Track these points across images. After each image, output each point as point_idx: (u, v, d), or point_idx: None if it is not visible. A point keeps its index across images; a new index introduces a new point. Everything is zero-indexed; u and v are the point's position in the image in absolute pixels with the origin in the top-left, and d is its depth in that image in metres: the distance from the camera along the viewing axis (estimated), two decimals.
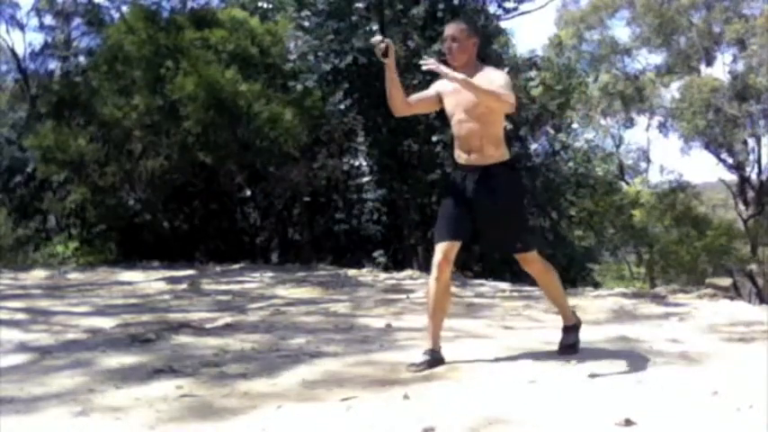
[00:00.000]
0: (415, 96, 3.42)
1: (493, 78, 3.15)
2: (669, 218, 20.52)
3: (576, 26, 24.11)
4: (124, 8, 12.78)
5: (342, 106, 10.71)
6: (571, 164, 13.17)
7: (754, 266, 20.21)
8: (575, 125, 14.51)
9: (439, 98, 3.34)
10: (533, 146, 12.79)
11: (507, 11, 12.02)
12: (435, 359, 3.18)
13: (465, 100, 3.17)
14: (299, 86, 10.66)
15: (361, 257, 10.80)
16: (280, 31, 11.34)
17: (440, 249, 3.20)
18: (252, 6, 12.39)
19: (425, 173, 10.73)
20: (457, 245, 3.21)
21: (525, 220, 3.76)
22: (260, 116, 10.38)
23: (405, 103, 3.32)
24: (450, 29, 3.31)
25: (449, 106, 3.28)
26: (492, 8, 11.85)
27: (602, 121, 23.67)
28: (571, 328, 3.47)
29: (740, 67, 22.22)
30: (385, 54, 3.16)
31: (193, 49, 10.49)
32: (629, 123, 24.76)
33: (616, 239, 18.99)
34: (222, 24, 11.09)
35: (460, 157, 3.27)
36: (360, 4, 10.64)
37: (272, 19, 11.90)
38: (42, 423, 2.53)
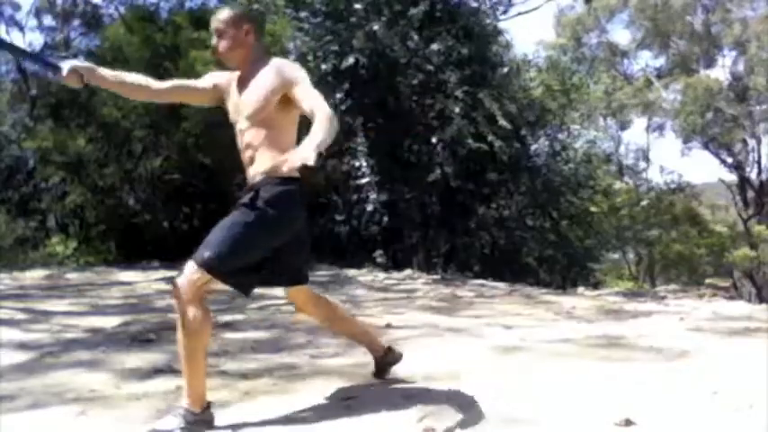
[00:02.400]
0: (180, 83, 2.76)
1: (264, 82, 2.50)
2: (669, 218, 20.51)
3: (574, 29, 24.15)
4: (122, 9, 12.81)
5: (342, 107, 10.72)
6: (571, 164, 13.18)
7: (753, 266, 20.20)
8: (575, 126, 14.52)
9: (215, 94, 2.69)
10: (534, 146, 12.82)
11: (503, 12, 12.14)
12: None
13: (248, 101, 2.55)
14: None
15: (361, 258, 10.80)
16: (278, 31, 11.33)
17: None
18: (249, 7, 12.38)
19: (425, 173, 10.74)
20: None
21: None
22: None
23: (156, 91, 2.66)
24: (213, 22, 2.64)
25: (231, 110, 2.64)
26: (488, 9, 11.94)
27: (602, 122, 23.69)
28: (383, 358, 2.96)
29: (740, 68, 22.25)
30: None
31: (191, 50, 10.48)
32: (629, 124, 24.79)
33: (616, 240, 18.99)
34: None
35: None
36: (358, 5, 10.65)
37: (270, 20, 11.89)
38: (43, 422, 2.53)
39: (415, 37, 10.56)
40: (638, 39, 23.98)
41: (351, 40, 10.41)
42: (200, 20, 11.31)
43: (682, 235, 19.97)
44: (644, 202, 19.49)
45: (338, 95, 10.75)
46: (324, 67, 10.65)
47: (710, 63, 23.25)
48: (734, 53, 22.60)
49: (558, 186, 12.33)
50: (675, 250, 19.54)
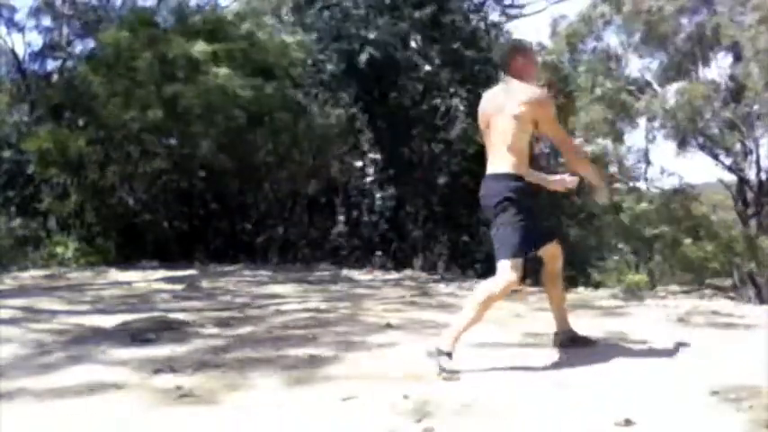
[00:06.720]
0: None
1: None
2: (669, 219, 20.51)
3: (571, 31, 24.16)
4: (123, 11, 12.81)
5: (354, 110, 10.73)
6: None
7: (754, 266, 20.18)
8: (575, 127, 14.55)
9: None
10: (534, 148, 12.85)
11: (509, 16, 12.21)
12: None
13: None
14: (301, 92, 10.66)
15: (361, 257, 10.81)
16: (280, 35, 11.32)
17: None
18: (249, 10, 12.41)
19: (429, 172, 10.76)
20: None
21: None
22: (261, 124, 10.40)
23: None
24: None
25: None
26: (494, 16, 12.05)
27: (601, 125, 23.66)
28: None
29: (737, 69, 22.23)
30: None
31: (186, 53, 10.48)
32: (628, 126, 24.76)
33: (616, 240, 18.99)
34: (217, 28, 11.05)
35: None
36: (361, 7, 10.67)
37: (272, 24, 11.88)
38: (43, 422, 2.53)
39: (419, 37, 10.58)
40: (632, 42, 23.97)
41: (356, 39, 10.43)
42: (194, 23, 11.32)
43: (682, 235, 19.97)
44: (643, 205, 19.48)
45: (345, 96, 10.76)
46: (330, 67, 10.66)
47: (706, 64, 23.23)
48: (730, 54, 22.56)
49: None
50: (676, 250, 19.54)
